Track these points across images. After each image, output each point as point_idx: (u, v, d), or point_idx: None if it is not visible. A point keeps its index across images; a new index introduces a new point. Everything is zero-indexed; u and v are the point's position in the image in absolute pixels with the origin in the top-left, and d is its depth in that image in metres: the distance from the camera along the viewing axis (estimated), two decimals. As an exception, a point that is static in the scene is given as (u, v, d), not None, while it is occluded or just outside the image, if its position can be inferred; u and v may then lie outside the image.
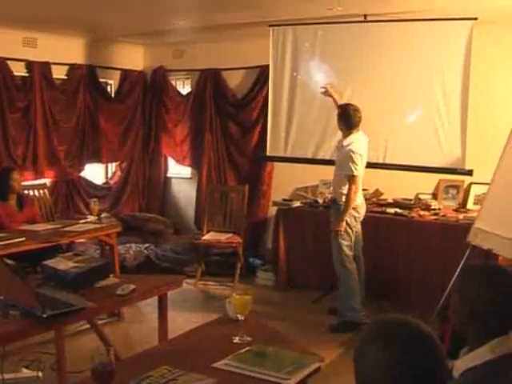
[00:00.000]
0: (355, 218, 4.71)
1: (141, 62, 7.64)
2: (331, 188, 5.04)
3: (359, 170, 4.60)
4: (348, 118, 4.65)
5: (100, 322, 4.37)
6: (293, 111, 5.97)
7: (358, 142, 4.65)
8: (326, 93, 5.16)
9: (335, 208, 4.77)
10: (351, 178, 4.58)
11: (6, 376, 3.31)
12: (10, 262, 4.36)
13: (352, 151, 4.56)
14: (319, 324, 4.83)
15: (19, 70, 6.31)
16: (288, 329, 4.37)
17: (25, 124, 6.38)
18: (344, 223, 4.66)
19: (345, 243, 4.68)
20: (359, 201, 4.74)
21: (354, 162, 4.53)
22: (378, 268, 5.19)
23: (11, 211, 4.94)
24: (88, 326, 4.22)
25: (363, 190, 5.47)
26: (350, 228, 4.69)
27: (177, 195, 7.65)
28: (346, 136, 4.68)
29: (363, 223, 4.86)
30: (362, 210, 4.79)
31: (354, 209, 4.67)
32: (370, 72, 5.48)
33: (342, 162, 4.65)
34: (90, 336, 4.19)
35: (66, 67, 6.81)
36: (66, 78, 6.82)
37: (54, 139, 6.64)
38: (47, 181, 6.48)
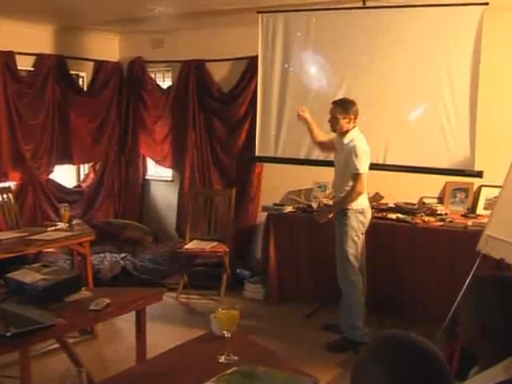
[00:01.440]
0: (363, 223, 4.68)
1: (116, 53, 7.62)
2: (332, 194, 5.05)
3: (365, 168, 4.58)
4: (349, 110, 4.62)
5: (71, 341, 4.35)
6: (284, 107, 5.97)
7: (361, 138, 4.64)
8: (300, 117, 5.02)
9: (341, 217, 4.67)
10: (356, 177, 4.55)
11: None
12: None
13: (357, 147, 4.54)
14: (313, 341, 4.82)
15: (-22, 61, 6.28)
16: (279, 347, 4.36)
17: (-14, 121, 6.35)
18: (331, 215, 4.68)
19: (351, 252, 4.64)
20: (366, 204, 4.72)
21: (359, 158, 4.52)
22: (379, 279, 5.19)
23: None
24: (57, 345, 4.19)
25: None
26: (357, 235, 4.65)
27: (156, 200, 7.63)
28: (344, 133, 4.66)
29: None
30: (369, 215, 4.77)
31: (360, 213, 4.64)
32: (369, 64, 5.49)
33: (345, 161, 4.61)
34: (60, 356, 4.17)
35: (33, 58, 6.77)
36: (32, 69, 6.78)
37: (19, 137, 6.59)
38: (12, 184, 6.44)
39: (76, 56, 7.17)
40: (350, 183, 4.59)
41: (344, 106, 4.63)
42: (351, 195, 4.57)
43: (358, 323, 4.65)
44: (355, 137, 4.63)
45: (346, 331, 4.69)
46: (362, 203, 4.66)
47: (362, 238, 4.70)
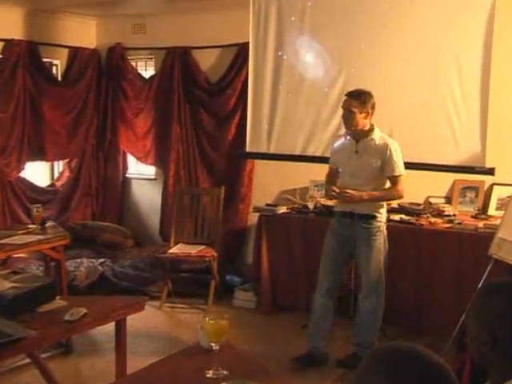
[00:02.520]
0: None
1: (93, 39, 7.60)
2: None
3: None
4: (367, 103, 4.42)
5: (43, 356, 4.32)
6: (277, 98, 5.97)
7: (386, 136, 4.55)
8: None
9: (367, 226, 4.49)
10: (398, 180, 4.44)
11: None
12: None
13: (394, 146, 4.43)
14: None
15: None
16: (272, 360, 4.36)
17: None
18: (358, 196, 4.42)
19: (384, 267, 4.55)
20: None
21: (400, 159, 4.42)
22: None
23: None
24: (28, 360, 4.16)
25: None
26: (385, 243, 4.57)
27: (138, 200, 7.62)
28: (364, 132, 4.46)
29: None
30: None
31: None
32: (370, 51, 5.50)
33: (378, 164, 4.42)
34: (31, 373, 4.14)
35: (1, 44, 6.73)
36: (0, 56, 6.75)
37: (-15, 132, 6.57)
38: (-22, 183, 6.42)
39: (49, 42, 7.12)
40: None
41: (361, 99, 4.39)
42: (393, 195, 4.54)
43: (375, 340, 4.57)
44: (383, 135, 4.51)
45: (360, 349, 4.54)
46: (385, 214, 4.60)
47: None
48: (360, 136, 4.46)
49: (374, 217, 4.46)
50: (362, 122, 4.42)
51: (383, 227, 4.51)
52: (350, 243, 4.54)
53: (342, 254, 4.60)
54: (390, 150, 4.39)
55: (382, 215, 4.52)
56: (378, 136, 4.46)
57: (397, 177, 4.42)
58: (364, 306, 4.57)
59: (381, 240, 4.48)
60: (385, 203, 4.56)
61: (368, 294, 4.55)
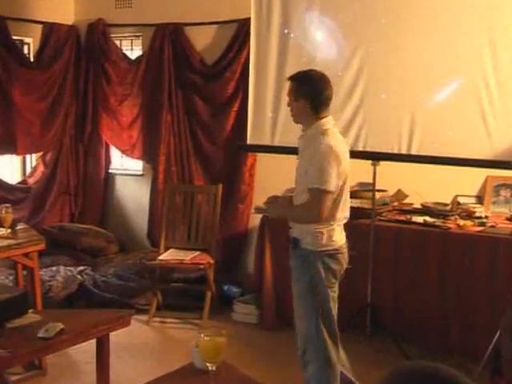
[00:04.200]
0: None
1: (71, 14, 7.61)
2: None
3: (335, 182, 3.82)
4: (318, 93, 3.95)
5: (13, 378, 4.33)
6: (283, 83, 5.95)
7: (335, 135, 3.94)
8: None
9: (294, 253, 4.02)
10: (313, 194, 3.81)
11: None
12: None
13: (324, 147, 3.81)
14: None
15: None
16: (276, 382, 4.35)
17: None
18: (280, 208, 4.24)
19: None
20: (341, 240, 4.00)
21: (330, 165, 3.77)
22: (401, 298, 5.19)
23: None
24: (-3, 382, 4.17)
25: (381, 191, 5.48)
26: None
27: (123, 199, 7.62)
28: (309, 124, 3.98)
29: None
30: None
31: (330, 255, 3.92)
32: (390, 28, 5.48)
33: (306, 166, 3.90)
34: (0, 396, 4.14)
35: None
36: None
37: None
38: None
39: (19, 17, 7.12)
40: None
41: (315, 96, 3.93)
42: (303, 215, 3.97)
43: None
44: (325, 128, 3.92)
45: None
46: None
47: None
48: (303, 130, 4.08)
49: (298, 241, 3.95)
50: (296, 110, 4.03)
51: (315, 258, 3.86)
52: None
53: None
54: (316, 151, 3.80)
55: (313, 240, 3.89)
56: (313, 131, 3.92)
57: (309, 190, 3.80)
58: (304, 374, 4.09)
59: (308, 276, 3.88)
60: (326, 223, 3.86)
61: (303, 358, 4.05)
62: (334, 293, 3.98)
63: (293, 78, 4.05)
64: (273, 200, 4.41)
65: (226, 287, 6.34)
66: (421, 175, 5.69)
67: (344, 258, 3.98)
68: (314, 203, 3.78)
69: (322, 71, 4.08)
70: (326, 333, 3.92)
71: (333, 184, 3.76)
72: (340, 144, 3.92)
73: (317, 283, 3.89)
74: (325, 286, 3.90)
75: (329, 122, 3.95)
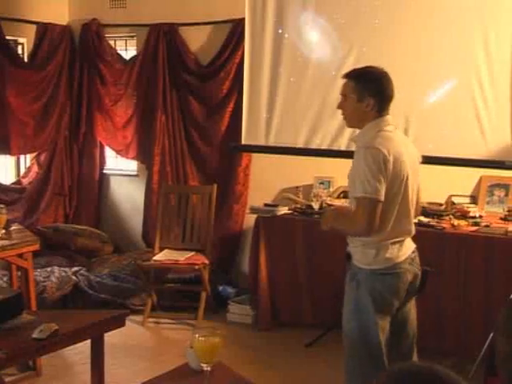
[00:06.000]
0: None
1: (65, 14, 7.58)
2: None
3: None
4: (382, 91, 3.57)
5: (7, 380, 4.32)
6: (278, 83, 5.97)
7: (392, 135, 3.52)
8: None
9: (350, 270, 3.60)
10: (357, 204, 3.41)
11: None
12: None
13: (368, 152, 3.39)
14: (314, 376, 4.82)
15: None
16: (271, 382, 4.35)
17: None
18: (329, 218, 3.67)
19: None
20: (397, 257, 3.51)
21: (367, 172, 3.33)
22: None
23: None
24: (-9, 383, 4.16)
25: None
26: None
27: (118, 199, 7.61)
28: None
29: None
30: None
31: (382, 274, 3.47)
32: (384, 28, 5.50)
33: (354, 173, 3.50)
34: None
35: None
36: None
37: None
38: None
39: (13, 17, 7.10)
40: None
41: (381, 93, 3.55)
42: (350, 225, 3.55)
43: None
44: (372, 131, 3.51)
45: None
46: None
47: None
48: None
49: (349, 257, 3.59)
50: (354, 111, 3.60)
51: (367, 278, 3.45)
52: None
53: None
54: (366, 155, 3.38)
55: (362, 257, 3.50)
56: (362, 133, 3.57)
57: (355, 199, 3.43)
58: None
59: (355, 293, 3.48)
60: (377, 239, 3.42)
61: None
62: (384, 321, 3.46)
63: (351, 76, 3.59)
64: (326, 209, 3.90)
65: (220, 288, 6.34)
66: (415, 175, 5.69)
67: (399, 278, 3.45)
68: (359, 214, 3.33)
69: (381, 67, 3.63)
70: (369, 370, 3.41)
71: (382, 192, 3.30)
72: (398, 146, 3.43)
73: (362, 307, 3.43)
74: (371, 312, 3.40)
75: (385, 121, 3.52)
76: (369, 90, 3.48)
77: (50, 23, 7.35)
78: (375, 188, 3.28)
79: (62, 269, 6.46)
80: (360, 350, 3.45)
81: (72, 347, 3.97)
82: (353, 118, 3.59)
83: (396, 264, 3.44)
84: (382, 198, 3.31)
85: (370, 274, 3.43)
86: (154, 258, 6.02)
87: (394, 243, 3.45)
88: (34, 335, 3.11)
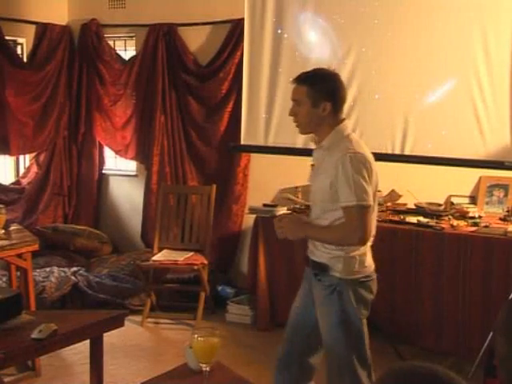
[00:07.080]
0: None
1: (64, 14, 7.58)
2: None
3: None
4: (337, 93, 3.41)
5: (6, 380, 4.31)
6: (277, 83, 5.96)
7: (358, 140, 3.42)
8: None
9: (320, 280, 3.44)
10: (348, 213, 3.27)
11: None
12: None
13: (353, 158, 3.26)
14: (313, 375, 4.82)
15: None
16: (270, 382, 4.35)
17: None
18: (299, 229, 3.51)
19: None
20: (372, 265, 3.51)
21: (366, 176, 3.27)
22: (395, 299, 5.19)
23: None
24: (-10, 383, 4.16)
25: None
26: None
27: (117, 200, 7.61)
28: (325, 132, 3.42)
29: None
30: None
31: (361, 282, 3.41)
32: (383, 28, 5.49)
33: (330, 183, 3.32)
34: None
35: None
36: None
37: None
38: None
39: (13, 17, 7.10)
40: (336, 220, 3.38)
41: (335, 95, 3.39)
42: (342, 236, 3.36)
43: None
44: (346, 134, 3.39)
45: None
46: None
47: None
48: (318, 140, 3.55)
49: (326, 268, 3.39)
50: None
51: (346, 287, 3.34)
52: (313, 302, 3.54)
53: (304, 315, 3.61)
54: (345, 161, 3.24)
55: (345, 267, 3.34)
56: (334, 138, 3.39)
57: (345, 208, 3.26)
58: None
59: (338, 305, 3.35)
60: (360, 247, 3.35)
61: None
62: (364, 326, 3.42)
63: (303, 80, 3.42)
64: (280, 219, 3.57)
65: (219, 288, 6.33)
66: (414, 175, 5.69)
67: (374, 284, 3.46)
68: (356, 222, 3.20)
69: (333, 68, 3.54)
70: (362, 377, 3.38)
71: (370, 198, 3.25)
72: (367, 150, 3.36)
73: (349, 317, 3.34)
74: (358, 320, 3.37)
75: (348, 125, 3.43)
76: (324, 94, 3.34)
77: (49, 23, 7.35)
78: (367, 194, 3.23)
79: (61, 269, 6.46)
80: (350, 363, 3.37)
81: (71, 347, 3.97)
82: (309, 124, 3.44)
83: (373, 269, 3.45)
84: (372, 202, 3.28)
85: (352, 282, 3.34)
86: (153, 258, 6.01)
87: (369, 249, 3.44)
88: (33, 335, 3.10)
